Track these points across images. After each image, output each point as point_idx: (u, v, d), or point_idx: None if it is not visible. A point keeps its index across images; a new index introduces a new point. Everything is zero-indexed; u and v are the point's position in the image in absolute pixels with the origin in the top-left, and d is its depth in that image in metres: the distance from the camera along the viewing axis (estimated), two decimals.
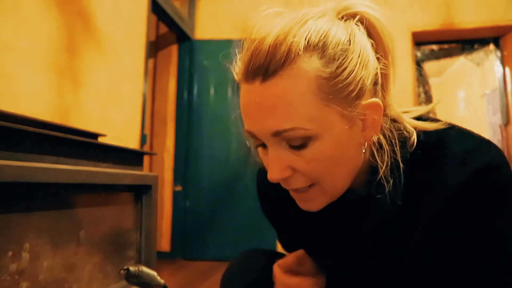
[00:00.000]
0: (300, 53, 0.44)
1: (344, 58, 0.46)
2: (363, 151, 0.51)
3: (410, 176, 0.51)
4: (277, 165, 0.47)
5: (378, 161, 0.51)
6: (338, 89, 0.45)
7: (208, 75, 3.03)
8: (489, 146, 0.49)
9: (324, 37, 0.46)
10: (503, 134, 3.21)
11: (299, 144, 0.46)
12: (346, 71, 0.45)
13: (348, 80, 0.45)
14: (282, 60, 0.44)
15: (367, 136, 0.50)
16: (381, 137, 0.51)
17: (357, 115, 0.47)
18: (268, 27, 0.47)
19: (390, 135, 0.52)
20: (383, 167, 0.50)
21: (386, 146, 0.51)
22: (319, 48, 0.45)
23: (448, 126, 0.52)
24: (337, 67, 0.45)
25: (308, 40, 0.45)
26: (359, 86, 0.46)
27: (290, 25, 0.46)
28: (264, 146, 0.50)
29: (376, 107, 0.48)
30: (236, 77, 0.51)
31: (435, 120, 0.54)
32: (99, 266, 1.25)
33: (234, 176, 2.88)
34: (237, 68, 0.50)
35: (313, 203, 0.52)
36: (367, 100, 0.48)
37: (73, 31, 1.66)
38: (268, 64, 0.44)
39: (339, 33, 0.47)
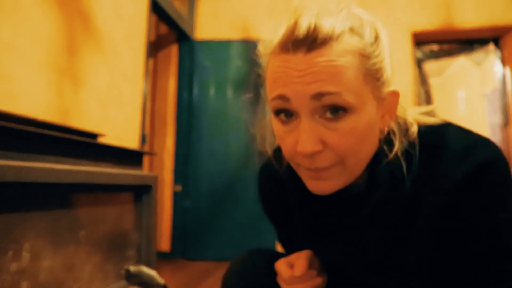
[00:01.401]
0: (345, 31, 0.47)
1: (378, 46, 0.49)
2: (379, 138, 0.53)
3: (411, 167, 0.52)
4: (311, 137, 0.47)
5: (385, 148, 0.53)
6: (375, 70, 0.48)
7: (208, 75, 3.03)
8: (488, 144, 0.50)
9: (361, 25, 0.49)
10: (503, 134, 3.21)
11: (336, 113, 0.46)
12: (380, 56, 0.49)
13: (382, 64, 0.49)
14: (329, 35, 0.46)
15: (386, 122, 0.53)
16: (393, 124, 0.54)
17: (382, 100, 0.50)
18: (307, 7, 0.48)
19: (394, 126, 0.54)
20: (392, 153, 0.52)
21: (396, 134, 0.54)
22: (358, 33, 0.48)
23: (446, 122, 0.55)
24: (374, 51, 0.49)
25: (349, 24, 0.48)
26: (387, 72, 0.50)
27: (330, 8, 0.48)
28: (288, 116, 0.49)
29: (396, 95, 0.52)
30: (263, 50, 0.52)
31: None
32: (99, 266, 1.25)
33: (234, 176, 2.88)
34: (267, 41, 0.51)
35: (328, 182, 0.51)
36: (389, 88, 0.51)
37: (73, 31, 1.66)
38: (315, 36, 0.46)
39: (369, 24, 0.50)
